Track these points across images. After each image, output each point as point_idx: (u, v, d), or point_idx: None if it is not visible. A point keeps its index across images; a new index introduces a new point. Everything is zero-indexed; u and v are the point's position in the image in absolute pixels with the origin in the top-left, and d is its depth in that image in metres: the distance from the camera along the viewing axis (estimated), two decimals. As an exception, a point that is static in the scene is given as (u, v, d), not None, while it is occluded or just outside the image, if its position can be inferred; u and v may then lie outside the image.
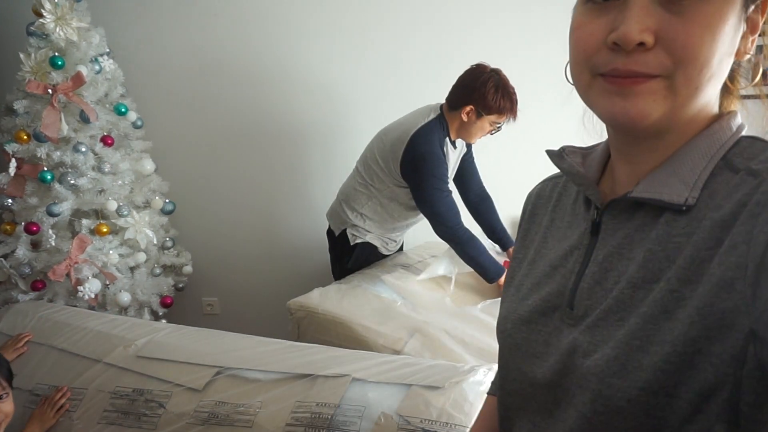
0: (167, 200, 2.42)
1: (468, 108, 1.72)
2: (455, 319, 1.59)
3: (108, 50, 2.21)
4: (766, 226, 0.40)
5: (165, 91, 2.52)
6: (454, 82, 1.80)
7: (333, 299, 1.68)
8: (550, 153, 0.59)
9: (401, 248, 2.16)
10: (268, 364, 1.17)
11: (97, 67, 2.09)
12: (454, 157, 1.91)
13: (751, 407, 0.40)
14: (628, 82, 0.44)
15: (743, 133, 0.49)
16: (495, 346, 1.46)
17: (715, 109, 0.50)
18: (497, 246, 2.08)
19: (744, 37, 0.46)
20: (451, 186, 1.90)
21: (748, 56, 0.48)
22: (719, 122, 0.49)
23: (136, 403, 1.16)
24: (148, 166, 2.29)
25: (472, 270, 1.78)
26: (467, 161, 2.02)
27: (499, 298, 1.63)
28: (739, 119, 0.50)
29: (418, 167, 1.75)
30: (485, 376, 1.06)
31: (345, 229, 1.96)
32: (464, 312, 1.64)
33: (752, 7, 0.45)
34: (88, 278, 2.03)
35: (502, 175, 2.35)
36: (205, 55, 2.47)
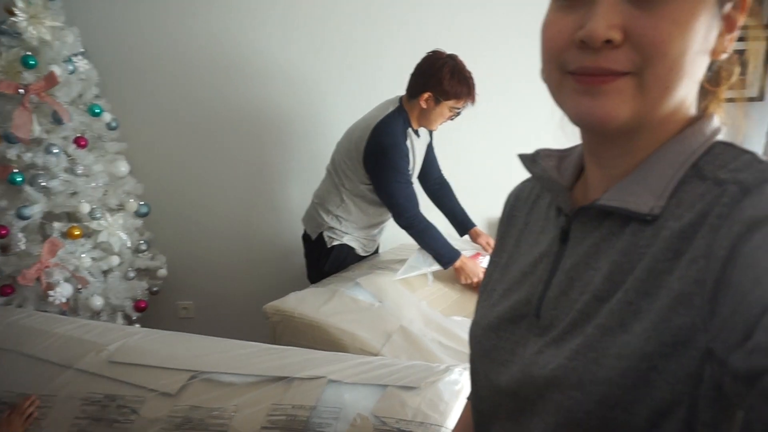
0: (142, 203, 2.38)
1: (426, 95, 1.74)
2: (432, 321, 1.60)
3: (82, 50, 2.17)
4: (726, 241, 0.38)
5: (140, 92, 2.49)
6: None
7: (309, 303, 1.68)
8: (522, 157, 0.57)
9: (377, 250, 2.17)
10: (243, 367, 1.16)
11: (70, 67, 2.06)
12: (420, 146, 1.93)
13: (706, 427, 0.39)
14: (597, 80, 0.43)
15: (719, 137, 0.47)
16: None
17: (692, 111, 0.47)
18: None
19: (720, 36, 0.44)
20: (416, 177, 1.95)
21: (725, 55, 0.46)
22: (692, 126, 0.46)
23: (107, 409, 1.14)
24: (123, 167, 2.26)
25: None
26: (428, 149, 2.04)
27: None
28: (715, 123, 0.47)
29: (379, 159, 1.77)
30: (460, 375, 1.08)
31: (321, 233, 1.96)
32: (440, 315, 1.65)
33: (729, 5, 0.43)
34: (59, 282, 1.99)
35: (483, 175, 2.38)
36: (182, 57, 2.45)
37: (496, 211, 0.69)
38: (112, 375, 1.21)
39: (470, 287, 1.82)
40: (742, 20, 0.45)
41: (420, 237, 1.83)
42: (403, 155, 1.79)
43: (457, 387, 1.02)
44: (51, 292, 1.94)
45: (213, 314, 2.78)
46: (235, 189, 2.62)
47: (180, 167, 2.60)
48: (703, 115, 0.48)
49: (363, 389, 1.03)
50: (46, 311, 1.89)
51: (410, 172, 1.87)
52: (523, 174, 0.66)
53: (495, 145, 2.43)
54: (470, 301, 1.82)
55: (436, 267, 1.84)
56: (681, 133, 0.46)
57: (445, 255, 1.80)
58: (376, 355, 1.45)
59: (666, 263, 0.42)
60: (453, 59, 1.75)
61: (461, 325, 1.60)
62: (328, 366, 1.11)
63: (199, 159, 2.58)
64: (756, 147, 2.30)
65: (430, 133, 2.00)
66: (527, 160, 0.57)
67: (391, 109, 1.82)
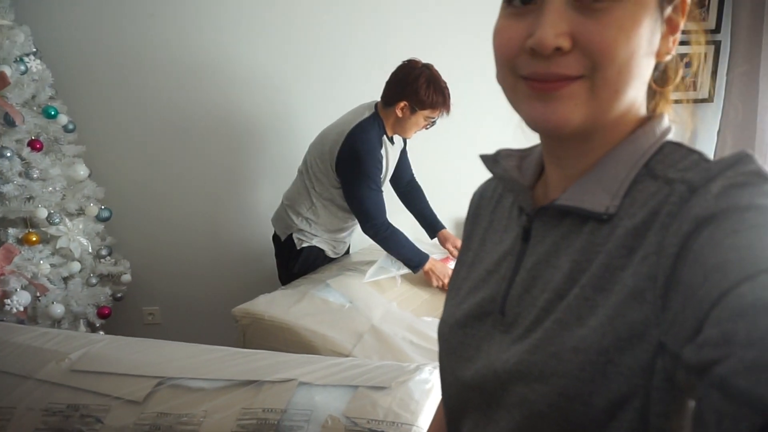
0: (103, 207, 2.32)
1: (402, 104, 1.75)
2: (403, 321, 1.61)
3: (35, 50, 2.10)
4: (675, 238, 0.40)
5: (98, 92, 2.42)
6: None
7: (279, 305, 1.67)
8: (483, 157, 0.59)
9: (348, 251, 2.17)
10: (212, 372, 1.14)
11: (22, 68, 1.99)
12: (394, 153, 1.95)
13: (659, 417, 0.41)
14: (550, 86, 0.44)
15: (669, 137, 0.48)
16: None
17: (642, 111, 0.49)
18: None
19: (664, 38, 0.46)
20: (387, 184, 1.96)
21: (670, 56, 0.47)
22: (643, 127, 0.48)
23: (70, 419, 1.11)
24: (81, 171, 2.19)
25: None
26: (402, 154, 2.06)
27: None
28: (665, 123, 0.49)
29: (352, 165, 1.77)
30: (431, 374, 1.09)
31: (291, 234, 1.95)
32: (410, 315, 1.67)
33: (669, 8, 0.45)
34: (16, 290, 1.92)
35: (447, 175, 2.41)
36: (141, 56, 2.39)
37: (464, 212, 0.70)
38: (75, 384, 1.17)
39: (442, 289, 1.83)
40: (683, 22, 0.47)
41: (387, 244, 1.83)
42: (377, 162, 1.79)
43: (427, 386, 1.03)
44: (7, 301, 1.87)
45: (180, 319, 2.73)
46: (200, 190, 2.58)
47: (142, 169, 2.54)
48: (653, 115, 0.50)
49: (334, 390, 1.03)
50: (2, 320, 1.82)
51: (382, 180, 1.87)
52: (487, 174, 0.67)
53: (463, 147, 2.46)
54: (440, 302, 1.84)
55: (405, 270, 1.85)
56: (633, 134, 0.48)
57: (413, 259, 1.81)
58: (347, 356, 1.45)
59: (620, 260, 0.43)
60: (429, 69, 1.75)
61: (431, 325, 1.62)
62: (299, 368, 1.11)
63: (162, 160, 2.53)
64: (707, 147, 2.41)
65: (404, 139, 2.01)
66: (488, 160, 0.58)
67: (366, 114, 1.81)
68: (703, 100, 2.41)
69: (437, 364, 1.11)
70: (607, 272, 0.44)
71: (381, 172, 1.84)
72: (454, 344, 0.57)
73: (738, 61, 2.20)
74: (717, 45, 2.33)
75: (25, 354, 1.31)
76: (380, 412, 0.97)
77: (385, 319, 1.60)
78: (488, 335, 0.53)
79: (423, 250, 1.85)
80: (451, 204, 2.19)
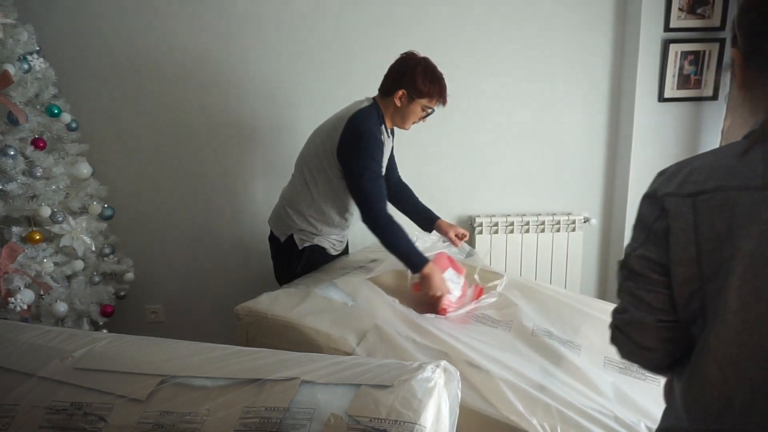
0: (105, 205, 2.33)
1: (400, 92, 1.78)
2: (405, 320, 1.61)
3: (38, 48, 2.10)
4: None
5: (101, 91, 2.43)
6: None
7: (282, 303, 1.66)
8: None
9: (347, 249, 2.17)
10: (214, 370, 1.14)
11: (25, 66, 1.99)
12: (388, 147, 1.93)
13: None
14: None
15: None
16: (444, 344, 1.49)
17: None
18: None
19: None
20: None
21: None
22: None
23: (74, 417, 1.11)
24: (84, 169, 2.20)
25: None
26: (390, 153, 2.04)
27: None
28: None
29: (354, 146, 1.74)
30: (433, 373, 1.09)
31: (291, 234, 1.94)
32: (413, 312, 1.66)
33: None
34: (20, 289, 1.93)
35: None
36: (144, 55, 2.39)
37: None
38: (78, 382, 1.17)
39: (430, 301, 1.71)
40: None
41: (385, 235, 1.73)
42: (378, 143, 1.77)
43: (430, 384, 1.03)
44: (11, 299, 1.88)
45: (183, 317, 2.74)
46: (204, 188, 2.58)
47: (145, 168, 2.54)
48: None
49: (336, 389, 1.03)
50: (6, 318, 1.83)
51: (383, 168, 1.85)
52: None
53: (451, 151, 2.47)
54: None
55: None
56: None
57: (413, 258, 1.72)
58: (350, 354, 1.45)
59: None
60: (426, 60, 1.80)
61: (434, 323, 1.61)
62: (301, 367, 1.11)
63: (166, 159, 2.53)
64: (712, 145, 2.40)
65: (393, 137, 2.00)
66: None
67: (365, 104, 1.83)
68: (707, 98, 2.40)
69: (440, 362, 1.11)
70: None
71: (383, 156, 1.81)
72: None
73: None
74: (721, 43, 2.32)
75: (28, 352, 1.31)
76: (383, 411, 0.97)
77: (389, 318, 1.59)
78: None
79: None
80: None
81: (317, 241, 1.94)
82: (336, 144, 1.77)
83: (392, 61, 1.83)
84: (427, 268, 1.70)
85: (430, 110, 1.84)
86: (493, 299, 1.81)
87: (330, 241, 1.99)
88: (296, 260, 1.95)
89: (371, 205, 1.75)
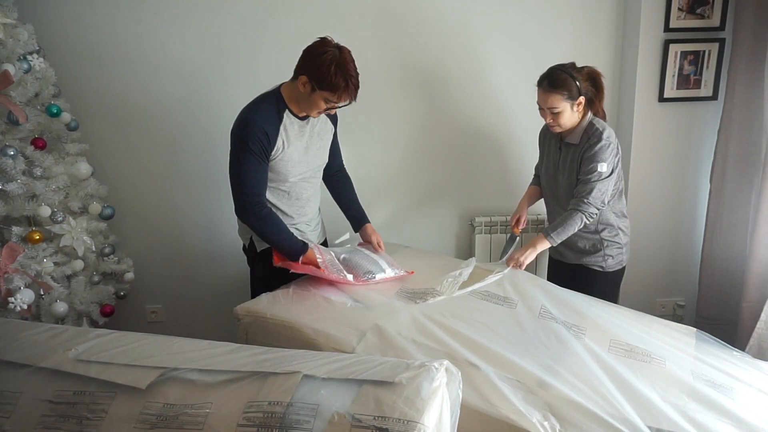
0: (105, 205, 2.33)
1: (303, 78, 1.64)
2: (406, 320, 1.61)
3: (38, 48, 2.10)
4: None
5: (101, 91, 2.42)
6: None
7: (282, 304, 1.66)
8: None
9: (325, 243, 2.09)
10: (217, 363, 1.14)
11: (25, 66, 1.99)
12: (308, 133, 1.81)
13: None
14: None
15: None
16: (444, 344, 1.48)
17: None
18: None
19: None
20: (316, 169, 1.87)
21: None
22: None
23: (76, 406, 1.11)
24: (84, 169, 2.20)
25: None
26: (333, 138, 1.96)
27: (439, 299, 1.68)
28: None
29: (234, 135, 1.69)
30: (437, 371, 1.09)
31: (250, 237, 1.87)
32: (412, 312, 1.66)
33: None
34: (19, 288, 1.92)
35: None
36: (144, 54, 2.39)
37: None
38: (81, 372, 1.17)
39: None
40: None
41: (263, 226, 1.71)
42: (259, 132, 1.64)
43: (434, 384, 1.03)
44: (11, 299, 1.87)
45: (183, 317, 2.74)
46: (204, 188, 2.58)
47: (145, 167, 2.54)
48: None
49: (339, 386, 1.03)
50: (6, 318, 1.83)
51: (272, 156, 1.72)
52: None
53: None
54: (435, 273, 1.87)
55: (395, 272, 1.86)
56: None
57: (291, 248, 1.72)
58: (350, 353, 1.45)
59: None
60: (340, 51, 1.63)
61: (435, 322, 1.61)
62: (303, 362, 1.11)
63: (165, 158, 2.53)
64: (710, 144, 2.40)
65: (335, 122, 1.93)
66: None
67: (264, 92, 1.76)
68: (707, 98, 2.40)
69: (443, 361, 1.11)
70: None
71: (270, 146, 1.69)
72: None
73: (741, 58, 2.20)
74: (721, 43, 2.32)
75: (31, 346, 1.32)
76: (386, 409, 0.97)
77: (389, 318, 1.59)
78: None
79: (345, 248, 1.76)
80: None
81: None
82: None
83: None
84: (306, 257, 1.75)
85: (334, 105, 1.68)
86: (499, 276, 1.85)
87: None
88: (258, 263, 1.88)
89: (242, 194, 1.69)
